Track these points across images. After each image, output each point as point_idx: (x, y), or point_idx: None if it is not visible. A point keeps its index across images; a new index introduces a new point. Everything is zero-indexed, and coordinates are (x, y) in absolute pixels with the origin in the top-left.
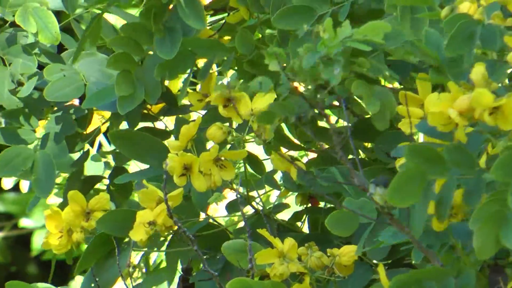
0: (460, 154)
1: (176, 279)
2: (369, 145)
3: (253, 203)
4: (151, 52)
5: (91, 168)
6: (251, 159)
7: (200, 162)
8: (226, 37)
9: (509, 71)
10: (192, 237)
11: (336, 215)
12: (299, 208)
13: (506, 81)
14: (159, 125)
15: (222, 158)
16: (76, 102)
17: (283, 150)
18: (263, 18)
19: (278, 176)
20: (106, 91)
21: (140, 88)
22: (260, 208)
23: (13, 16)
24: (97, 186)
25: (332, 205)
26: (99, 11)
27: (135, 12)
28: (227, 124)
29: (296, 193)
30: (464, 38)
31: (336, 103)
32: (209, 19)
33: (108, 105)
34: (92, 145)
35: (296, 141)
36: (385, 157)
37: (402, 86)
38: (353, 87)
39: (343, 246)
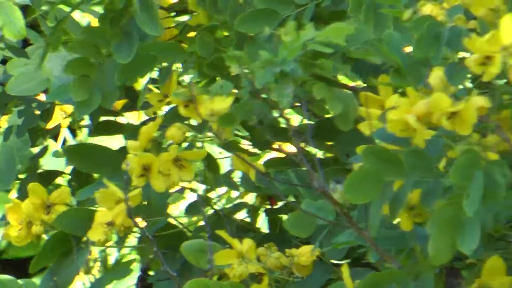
0: (418, 158)
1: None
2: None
3: (212, 204)
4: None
5: (52, 163)
6: (209, 159)
7: (159, 162)
8: (190, 36)
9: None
10: (151, 237)
11: (295, 216)
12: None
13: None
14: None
15: (182, 158)
16: (42, 97)
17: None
18: (222, 21)
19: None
20: (69, 86)
21: (96, 93)
22: (219, 208)
23: None
24: (59, 181)
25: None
26: (66, 7)
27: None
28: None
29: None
30: (432, 39)
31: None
32: (176, 19)
33: (71, 99)
34: (56, 139)
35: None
36: (345, 158)
37: (365, 85)
38: (315, 90)
39: (302, 246)
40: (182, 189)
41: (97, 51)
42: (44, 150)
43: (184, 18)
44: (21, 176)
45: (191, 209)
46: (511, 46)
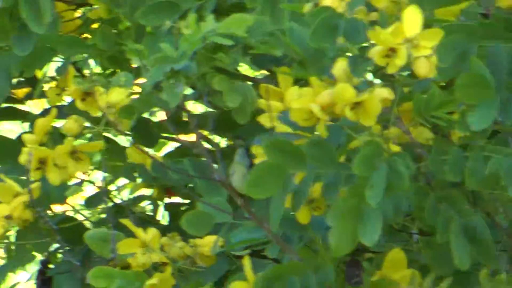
0: (320, 149)
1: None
2: None
3: (112, 196)
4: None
5: None
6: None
7: (55, 155)
8: (92, 29)
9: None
10: (55, 228)
11: (192, 215)
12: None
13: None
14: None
15: (78, 151)
16: None
17: None
18: (122, 14)
19: None
20: None
21: None
22: (120, 200)
23: None
24: None
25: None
26: None
27: None
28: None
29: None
30: (327, 30)
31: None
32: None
33: None
34: None
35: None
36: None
37: (266, 77)
38: (214, 82)
39: (205, 237)
40: (81, 182)
41: None
42: None
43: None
44: None
45: (91, 202)
46: (415, 38)
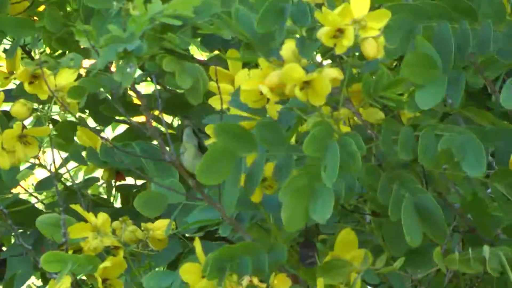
0: (270, 131)
1: None
2: None
3: (64, 179)
4: None
5: None
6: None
7: (3, 139)
8: (40, 10)
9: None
10: (5, 211)
11: (144, 196)
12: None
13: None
14: None
15: (27, 135)
16: None
17: None
18: None
19: None
20: None
21: None
22: (71, 183)
23: None
24: None
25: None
26: None
27: None
28: None
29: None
30: (275, 14)
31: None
32: None
33: None
34: None
35: None
36: (197, 131)
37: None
38: (164, 64)
39: (157, 221)
40: (32, 165)
41: None
42: None
43: None
44: None
45: (42, 185)
46: (363, 19)
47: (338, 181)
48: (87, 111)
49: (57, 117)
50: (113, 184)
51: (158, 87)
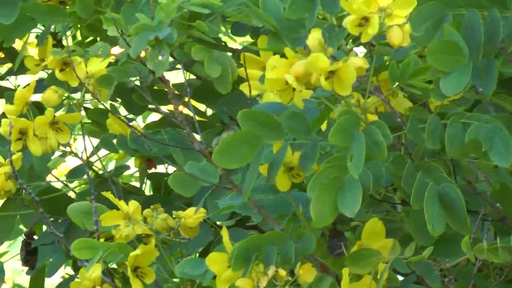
0: (296, 121)
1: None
2: None
3: (96, 168)
4: None
5: None
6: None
7: (35, 125)
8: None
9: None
10: (37, 199)
11: (179, 175)
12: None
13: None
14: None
15: (58, 122)
16: None
17: None
18: None
19: None
20: None
21: None
22: (102, 171)
23: None
24: None
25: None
26: None
27: None
28: None
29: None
30: (305, 1)
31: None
32: None
33: None
34: None
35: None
36: (228, 120)
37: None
38: (193, 52)
39: (188, 208)
40: (64, 153)
41: None
42: None
43: None
44: None
45: (73, 173)
46: (388, 7)
47: (365, 172)
48: (119, 100)
49: (88, 105)
50: (145, 171)
51: (192, 75)
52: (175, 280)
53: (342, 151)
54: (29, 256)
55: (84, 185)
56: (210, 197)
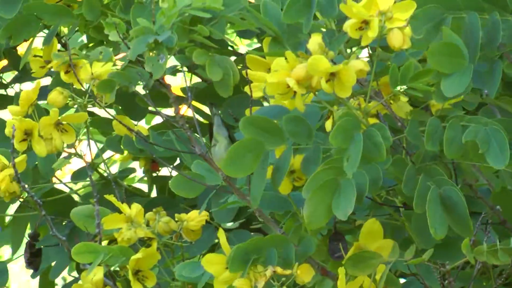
0: (298, 125)
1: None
2: None
3: (101, 169)
4: None
5: None
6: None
7: (40, 126)
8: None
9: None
10: (40, 202)
11: (181, 177)
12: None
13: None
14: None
15: (63, 122)
16: None
17: None
18: None
19: None
20: None
21: None
22: (106, 174)
23: None
24: None
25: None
26: None
27: None
28: None
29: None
30: (302, 5)
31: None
32: None
33: None
34: None
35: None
36: (233, 122)
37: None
38: (194, 56)
39: (191, 211)
40: (69, 155)
41: None
42: None
43: None
44: None
45: (78, 175)
46: (388, 10)
47: (362, 174)
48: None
49: (93, 109)
50: (150, 173)
51: (197, 78)
52: (177, 283)
53: (341, 153)
54: (33, 257)
55: (88, 187)
56: (215, 198)
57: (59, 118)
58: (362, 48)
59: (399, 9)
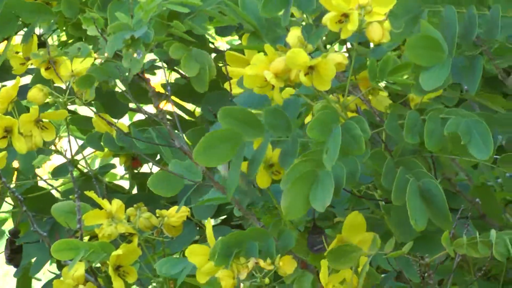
0: (277, 117)
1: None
2: None
3: (80, 166)
4: None
5: None
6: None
7: (20, 123)
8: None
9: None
10: (21, 198)
11: (160, 175)
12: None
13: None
14: None
15: (43, 120)
16: None
17: None
18: None
19: None
20: None
21: None
22: (87, 170)
23: None
24: None
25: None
26: None
27: None
28: None
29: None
30: (279, 0)
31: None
32: None
33: None
34: None
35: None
36: (212, 118)
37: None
38: (171, 50)
39: (172, 207)
40: (49, 151)
41: None
42: None
43: None
44: None
45: (58, 172)
46: (368, 4)
47: (339, 167)
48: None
49: (73, 106)
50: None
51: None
52: (158, 279)
53: (319, 146)
54: (14, 254)
55: (69, 184)
56: (194, 194)
57: (39, 115)
58: (342, 44)
59: (379, 3)
